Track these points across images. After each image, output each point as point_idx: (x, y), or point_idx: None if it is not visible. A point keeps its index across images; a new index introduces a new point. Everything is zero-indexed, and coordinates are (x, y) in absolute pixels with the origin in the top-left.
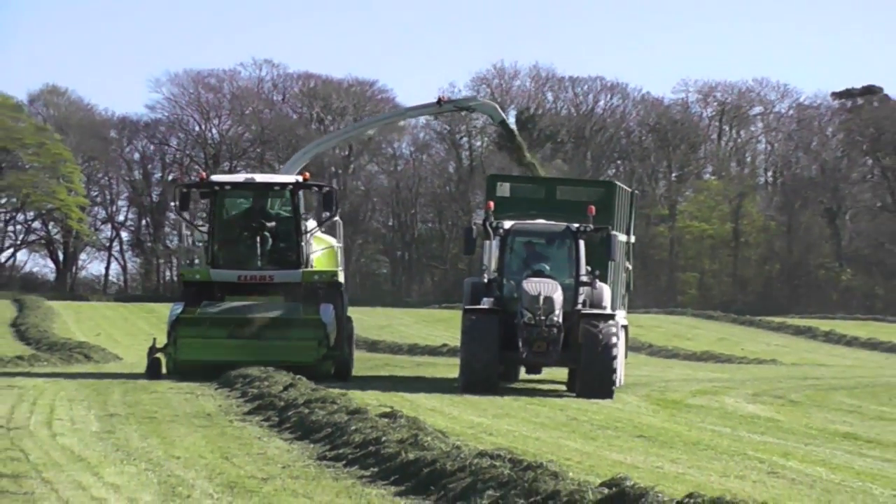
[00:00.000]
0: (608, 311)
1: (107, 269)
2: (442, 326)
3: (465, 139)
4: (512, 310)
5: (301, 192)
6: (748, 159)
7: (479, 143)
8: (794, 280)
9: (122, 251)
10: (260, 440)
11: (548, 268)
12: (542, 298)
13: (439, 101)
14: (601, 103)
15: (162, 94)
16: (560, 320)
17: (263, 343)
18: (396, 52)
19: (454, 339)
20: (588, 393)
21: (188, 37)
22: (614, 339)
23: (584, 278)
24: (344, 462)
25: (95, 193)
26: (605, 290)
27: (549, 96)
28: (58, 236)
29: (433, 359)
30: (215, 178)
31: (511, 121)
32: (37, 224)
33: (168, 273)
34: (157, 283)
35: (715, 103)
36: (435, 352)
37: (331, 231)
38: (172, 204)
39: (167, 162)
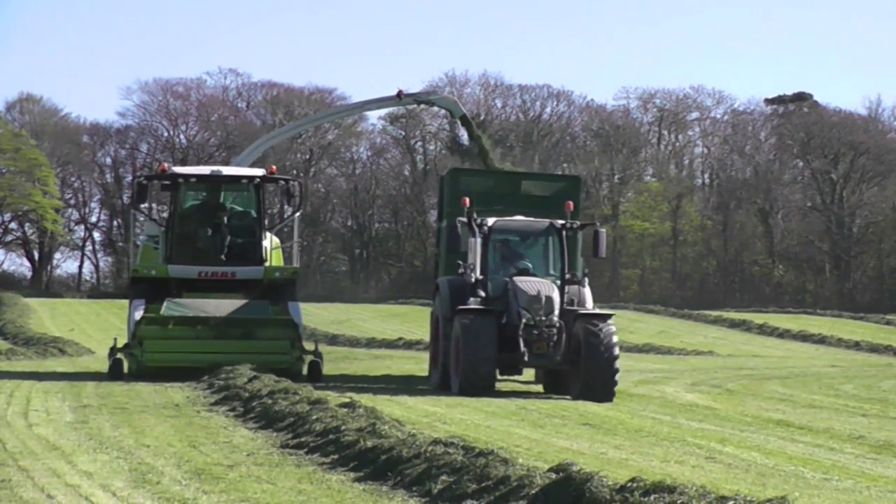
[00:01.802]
0: (604, 310)
1: (80, 267)
2: (398, 321)
3: (419, 144)
4: (499, 309)
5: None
6: (686, 162)
7: (432, 148)
8: (730, 276)
9: (94, 251)
10: (226, 429)
11: (531, 266)
12: (542, 298)
13: (399, 95)
14: (548, 110)
15: (132, 101)
16: (559, 320)
17: (234, 344)
18: (354, 61)
19: (410, 332)
20: (588, 395)
21: (157, 47)
22: (615, 340)
23: (571, 277)
24: (306, 450)
25: (69, 196)
26: (587, 289)
27: (498, 103)
28: (33, 237)
29: (390, 351)
30: (178, 169)
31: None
32: (13, 225)
33: None
34: (129, 281)
35: (654, 109)
36: (391, 345)
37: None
38: (127, 197)
39: (137, 166)
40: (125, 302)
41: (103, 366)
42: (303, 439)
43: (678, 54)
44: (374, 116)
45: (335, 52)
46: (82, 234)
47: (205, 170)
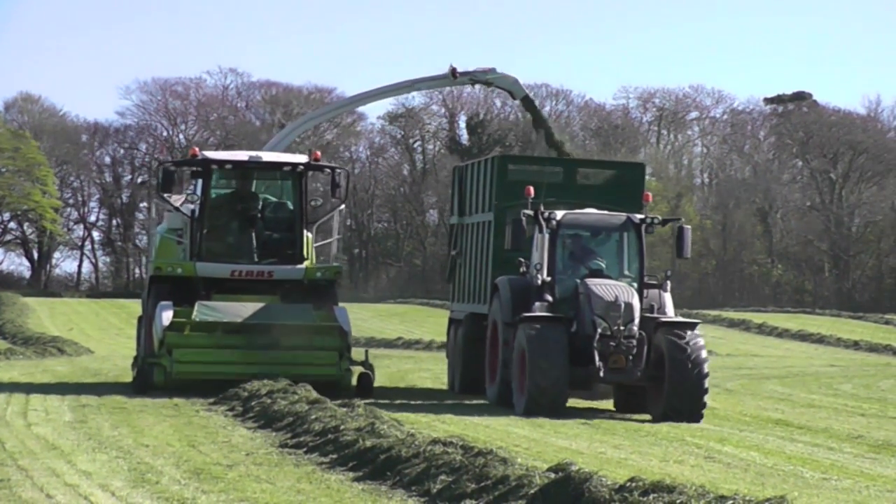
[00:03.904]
0: (688, 318)
1: (79, 266)
2: (397, 320)
3: (418, 143)
4: (567, 316)
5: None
6: (685, 162)
7: (431, 147)
8: (729, 275)
9: (93, 250)
10: (225, 429)
11: (604, 266)
12: (620, 304)
13: (453, 74)
14: (546, 109)
15: (131, 101)
16: (640, 330)
17: (274, 354)
18: (353, 61)
19: (409, 332)
20: (675, 416)
21: (157, 46)
22: (704, 354)
23: (651, 279)
24: (305, 449)
25: (68, 195)
26: (668, 294)
27: (498, 102)
28: (32, 236)
29: (388, 351)
30: (210, 154)
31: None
32: (12, 224)
33: (137, 270)
34: (127, 280)
35: (653, 109)
36: (390, 344)
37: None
38: (154, 183)
39: (136, 165)
40: (124, 301)
41: (103, 365)
42: (302, 439)
43: (677, 54)
44: (374, 116)
45: (334, 52)
46: (81, 233)
47: (241, 155)
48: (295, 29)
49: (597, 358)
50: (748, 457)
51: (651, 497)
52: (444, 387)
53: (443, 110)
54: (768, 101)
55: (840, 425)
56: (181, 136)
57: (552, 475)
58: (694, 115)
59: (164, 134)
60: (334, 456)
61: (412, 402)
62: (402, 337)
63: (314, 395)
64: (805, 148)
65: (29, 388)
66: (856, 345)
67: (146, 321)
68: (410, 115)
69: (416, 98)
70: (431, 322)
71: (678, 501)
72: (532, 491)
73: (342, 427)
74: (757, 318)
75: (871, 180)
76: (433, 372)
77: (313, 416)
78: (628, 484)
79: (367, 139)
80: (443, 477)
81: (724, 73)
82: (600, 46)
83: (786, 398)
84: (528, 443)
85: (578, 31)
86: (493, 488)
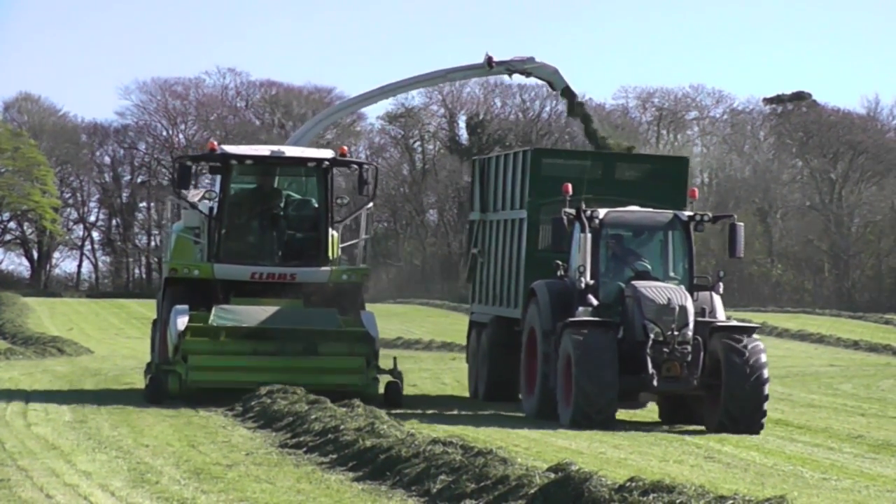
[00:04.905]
0: (749, 322)
1: (79, 266)
2: (396, 320)
3: (417, 143)
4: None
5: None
6: None
7: (431, 147)
8: (729, 275)
9: (93, 250)
10: (224, 429)
11: (650, 267)
12: (674, 307)
13: (489, 63)
14: (547, 109)
15: (131, 101)
16: (695, 336)
17: (296, 361)
18: (352, 60)
19: (408, 332)
20: (731, 427)
21: (156, 46)
22: (764, 359)
23: (701, 280)
24: (304, 449)
25: (68, 195)
26: (719, 297)
27: (498, 102)
28: (32, 236)
29: (388, 351)
30: (229, 148)
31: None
32: (12, 224)
33: (137, 270)
34: (127, 281)
35: (653, 108)
36: (389, 344)
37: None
38: (170, 179)
39: (136, 165)
40: (124, 301)
41: (103, 365)
42: (301, 439)
43: (677, 53)
44: (373, 115)
45: (334, 52)
46: (81, 233)
47: (263, 150)
48: (295, 29)
49: (649, 365)
50: (748, 457)
51: (651, 497)
52: (445, 387)
53: (442, 110)
54: (768, 101)
55: (840, 425)
56: (181, 135)
57: (552, 475)
58: (693, 114)
59: (164, 134)
60: (334, 456)
61: (413, 403)
62: (401, 337)
63: (313, 395)
64: (805, 148)
65: (29, 388)
66: (855, 345)
67: (161, 326)
68: (410, 114)
69: (415, 98)
70: (431, 322)
71: (678, 501)
72: (532, 491)
73: (342, 427)
74: (757, 317)
75: (871, 180)
76: (433, 372)
77: (313, 416)
78: (628, 484)
79: (367, 139)
80: (443, 477)
81: (724, 73)
82: (599, 46)
83: (785, 398)
84: (527, 442)
85: (577, 30)
86: (493, 488)
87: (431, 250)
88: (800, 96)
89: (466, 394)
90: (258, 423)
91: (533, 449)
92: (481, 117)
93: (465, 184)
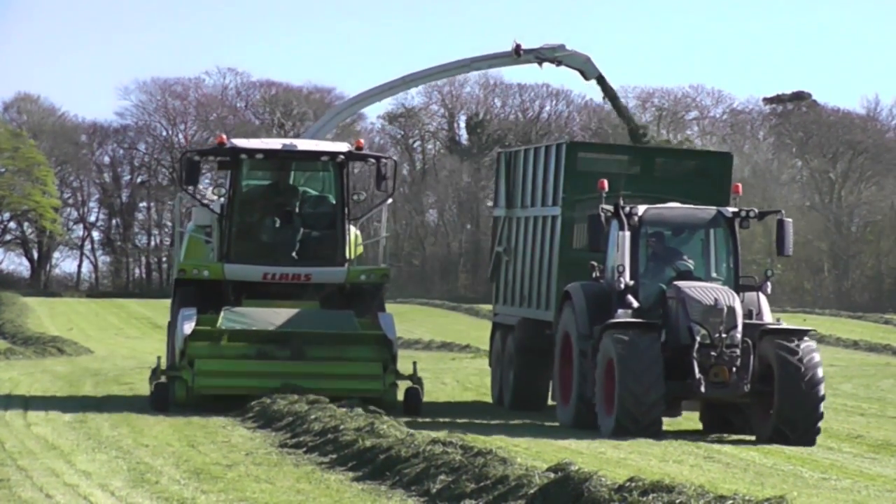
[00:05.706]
0: (803, 325)
1: (79, 266)
2: (396, 320)
3: (417, 143)
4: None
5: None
6: None
7: (431, 147)
8: None
9: (93, 250)
10: (224, 429)
11: (692, 266)
12: (722, 308)
13: (517, 51)
14: (546, 109)
15: (130, 101)
16: (745, 339)
17: (310, 366)
18: (352, 60)
19: (408, 332)
20: (785, 436)
21: (156, 46)
22: (818, 359)
23: (748, 280)
24: (304, 449)
25: (68, 195)
26: (765, 297)
27: (497, 102)
28: (32, 236)
29: None
30: (238, 142)
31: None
32: (12, 224)
33: (137, 270)
34: (127, 280)
35: (653, 108)
36: None
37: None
38: (178, 176)
39: (135, 165)
40: (124, 301)
41: (102, 365)
42: (301, 439)
43: (677, 53)
44: (373, 115)
45: (334, 52)
46: (81, 233)
47: (274, 143)
48: (295, 29)
49: (696, 370)
50: (747, 456)
51: (650, 497)
52: (445, 387)
53: (442, 110)
54: (768, 100)
55: (839, 425)
56: (180, 135)
57: (552, 475)
58: (693, 114)
59: (164, 134)
60: (334, 456)
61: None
62: (401, 337)
63: (313, 395)
64: (804, 148)
65: (29, 388)
66: (855, 344)
67: (172, 329)
68: (410, 114)
69: (415, 98)
70: (431, 322)
71: (677, 501)
72: (532, 491)
73: (342, 427)
74: None
75: (871, 180)
76: (433, 372)
77: (313, 416)
78: (628, 484)
79: (367, 139)
80: (442, 477)
81: (724, 72)
82: (599, 46)
83: None
84: (527, 443)
85: (577, 30)
86: (493, 488)
87: (431, 250)
88: (799, 96)
89: (470, 396)
90: (258, 424)
91: (532, 449)
92: (481, 117)
93: (465, 183)
